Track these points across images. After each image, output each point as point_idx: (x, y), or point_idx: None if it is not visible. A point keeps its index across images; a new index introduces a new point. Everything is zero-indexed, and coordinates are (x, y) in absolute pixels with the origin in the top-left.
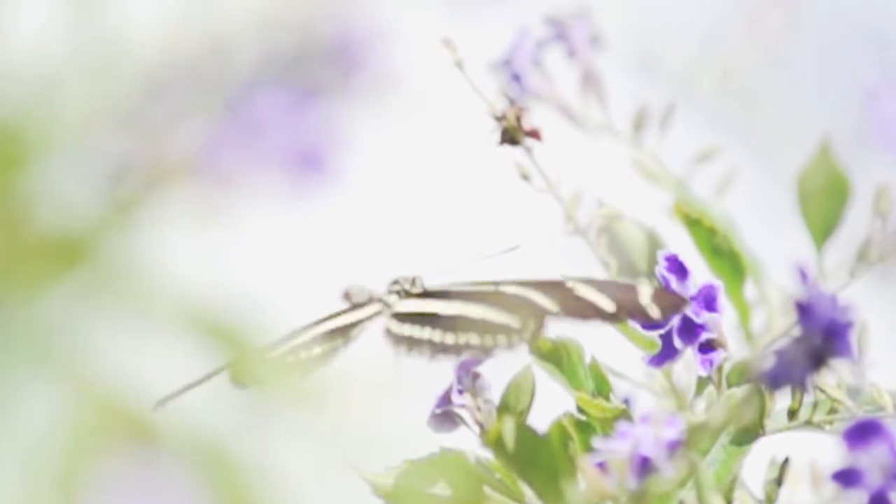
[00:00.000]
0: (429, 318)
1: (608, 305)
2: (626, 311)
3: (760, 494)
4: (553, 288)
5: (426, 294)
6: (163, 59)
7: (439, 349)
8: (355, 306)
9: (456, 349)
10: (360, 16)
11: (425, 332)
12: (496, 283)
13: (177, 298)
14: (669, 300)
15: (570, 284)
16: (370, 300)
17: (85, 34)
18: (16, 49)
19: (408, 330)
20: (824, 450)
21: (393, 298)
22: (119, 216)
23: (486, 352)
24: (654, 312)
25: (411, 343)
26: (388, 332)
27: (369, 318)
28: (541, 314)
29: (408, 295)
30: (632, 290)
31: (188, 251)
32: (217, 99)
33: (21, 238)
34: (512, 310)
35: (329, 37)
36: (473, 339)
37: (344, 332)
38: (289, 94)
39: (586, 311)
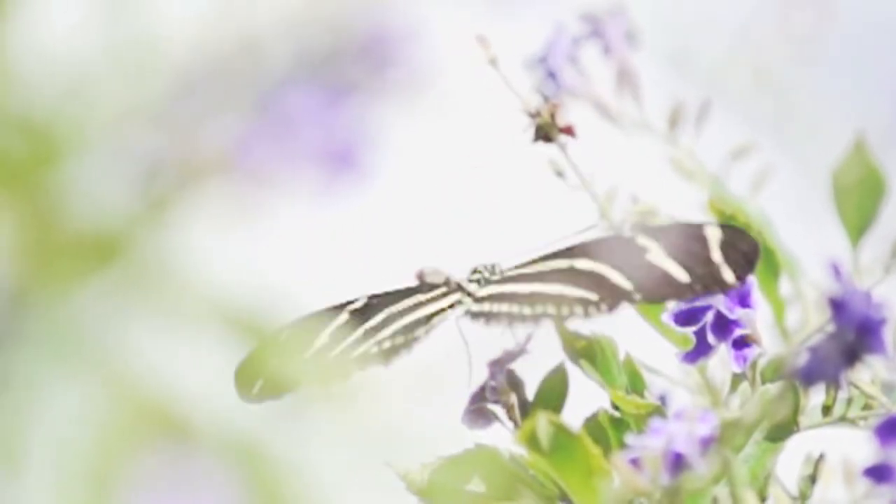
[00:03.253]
0: (509, 297)
1: (682, 275)
2: (702, 282)
3: (794, 491)
4: (624, 252)
5: (505, 279)
6: (196, 56)
7: (517, 319)
8: (430, 287)
9: (533, 318)
10: (393, 12)
11: (503, 307)
12: (570, 255)
13: (210, 295)
14: (739, 251)
15: (639, 241)
16: (447, 284)
17: (118, 32)
18: (50, 47)
19: (486, 307)
20: (859, 446)
21: (473, 287)
22: (152, 214)
23: (563, 318)
24: (728, 276)
25: (489, 316)
26: (468, 311)
27: (450, 307)
28: (618, 294)
29: (487, 283)
30: (700, 240)
31: (221, 248)
32: (250, 96)
33: (55, 235)
34: (590, 288)
35: (362, 33)
36: (550, 308)
37: (424, 321)
38: (321, 92)
39: (662, 287)
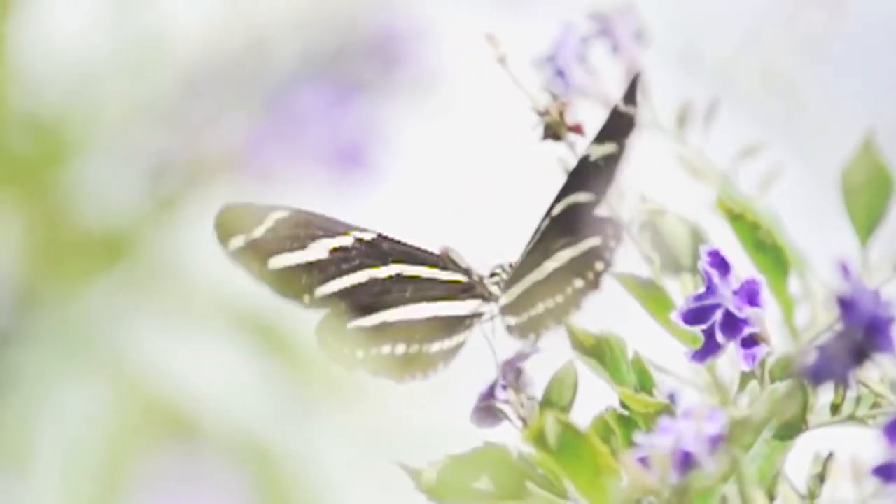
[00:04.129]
0: (532, 293)
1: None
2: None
3: (803, 489)
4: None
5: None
6: (203, 55)
7: (560, 314)
8: (450, 267)
9: (574, 303)
10: (401, 11)
11: (539, 308)
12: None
13: (217, 295)
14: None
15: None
16: (468, 274)
17: (126, 32)
18: (58, 47)
19: (525, 317)
20: (867, 445)
21: (495, 289)
22: (160, 212)
23: (595, 286)
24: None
25: (533, 324)
26: (510, 327)
27: (478, 315)
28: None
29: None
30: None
31: None
32: (258, 95)
33: (63, 234)
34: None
35: (370, 32)
36: (578, 283)
37: (458, 322)
38: (330, 91)
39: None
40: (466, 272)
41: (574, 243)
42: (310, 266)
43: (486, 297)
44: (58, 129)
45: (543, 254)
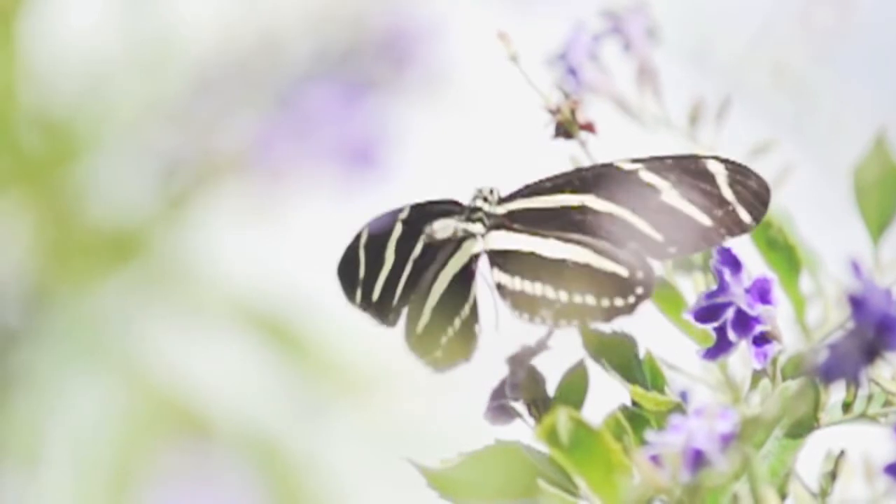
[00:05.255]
0: (532, 265)
1: (704, 219)
2: (723, 225)
3: (815, 487)
4: (635, 191)
5: (512, 216)
6: (215, 54)
7: (560, 314)
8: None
9: (576, 313)
10: (412, 9)
11: (537, 288)
12: (573, 187)
13: (228, 293)
14: (748, 189)
15: (643, 177)
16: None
17: (137, 30)
18: (69, 45)
19: (518, 284)
20: (879, 443)
21: (478, 227)
22: (171, 211)
23: (607, 317)
24: (746, 217)
25: (529, 303)
26: (501, 287)
27: (474, 259)
28: (651, 248)
29: (494, 222)
30: (707, 176)
31: (240, 246)
32: (268, 94)
33: (74, 233)
34: (617, 244)
35: (381, 31)
36: (589, 298)
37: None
38: (341, 89)
39: (690, 236)
40: (454, 234)
41: (596, 250)
42: None
43: (484, 217)
44: (69, 128)
45: (554, 228)
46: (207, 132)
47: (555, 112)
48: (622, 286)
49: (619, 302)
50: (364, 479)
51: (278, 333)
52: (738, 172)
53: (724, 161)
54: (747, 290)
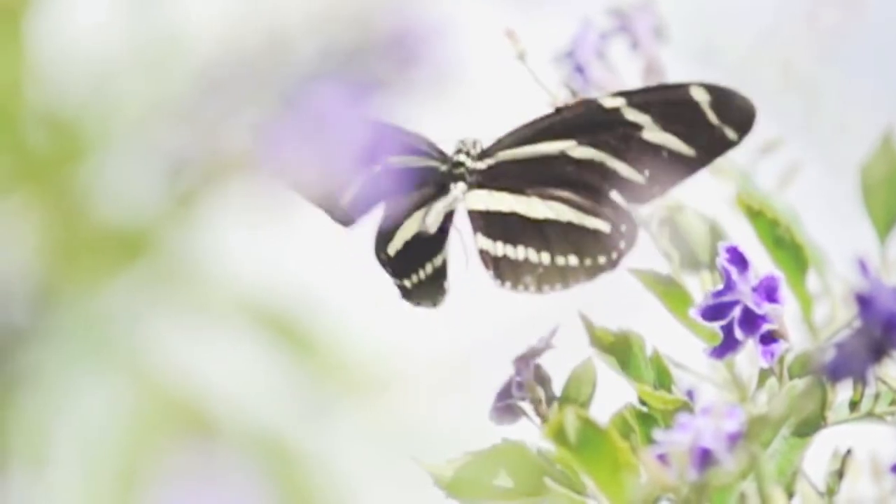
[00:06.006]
0: (514, 227)
1: (685, 149)
2: (706, 150)
3: (822, 486)
4: (616, 132)
5: (493, 171)
6: (221, 53)
7: (543, 279)
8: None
9: (560, 276)
10: (419, 8)
11: (520, 252)
12: (554, 134)
13: (235, 292)
14: (733, 108)
15: (626, 115)
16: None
17: (144, 29)
18: (75, 44)
19: (500, 248)
20: (886, 441)
21: (460, 186)
22: (178, 210)
23: (590, 276)
24: (732, 135)
25: (512, 270)
26: (484, 253)
27: (451, 201)
28: (633, 192)
29: (475, 179)
30: (691, 105)
31: (247, 245)
32: (275, 93)
33: (81, 232)
34: (598, 196)
35: (388, 29)
36: (572, 259)
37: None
38: (347, 88)
39: (672, 169)
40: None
41: (577, 206)
42: None
43: (464, 171)
44: (75, 127)
45: (535, 184)
46: (214, 131)
47: (562, 110)
48: (605, 243)
49: (602, 259)
50: (370, 479)
51: (285, 333)
52: (722, 94)
53: (707, 86)
54: (754, 289)
